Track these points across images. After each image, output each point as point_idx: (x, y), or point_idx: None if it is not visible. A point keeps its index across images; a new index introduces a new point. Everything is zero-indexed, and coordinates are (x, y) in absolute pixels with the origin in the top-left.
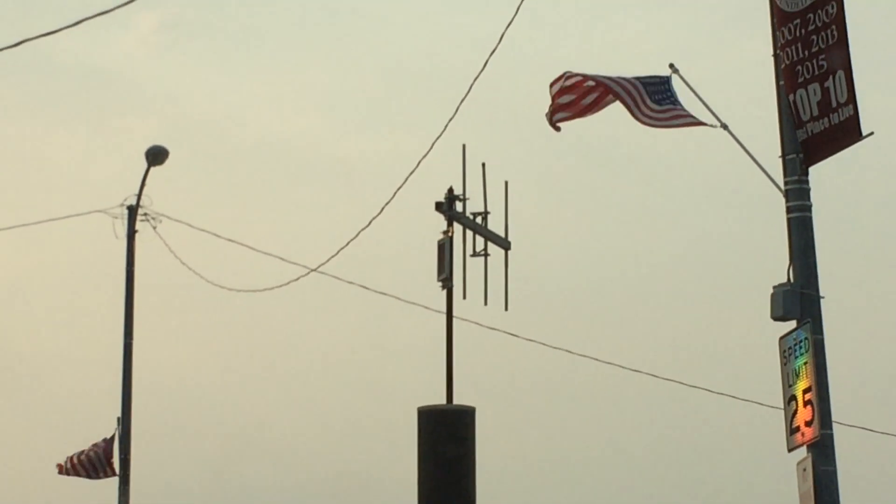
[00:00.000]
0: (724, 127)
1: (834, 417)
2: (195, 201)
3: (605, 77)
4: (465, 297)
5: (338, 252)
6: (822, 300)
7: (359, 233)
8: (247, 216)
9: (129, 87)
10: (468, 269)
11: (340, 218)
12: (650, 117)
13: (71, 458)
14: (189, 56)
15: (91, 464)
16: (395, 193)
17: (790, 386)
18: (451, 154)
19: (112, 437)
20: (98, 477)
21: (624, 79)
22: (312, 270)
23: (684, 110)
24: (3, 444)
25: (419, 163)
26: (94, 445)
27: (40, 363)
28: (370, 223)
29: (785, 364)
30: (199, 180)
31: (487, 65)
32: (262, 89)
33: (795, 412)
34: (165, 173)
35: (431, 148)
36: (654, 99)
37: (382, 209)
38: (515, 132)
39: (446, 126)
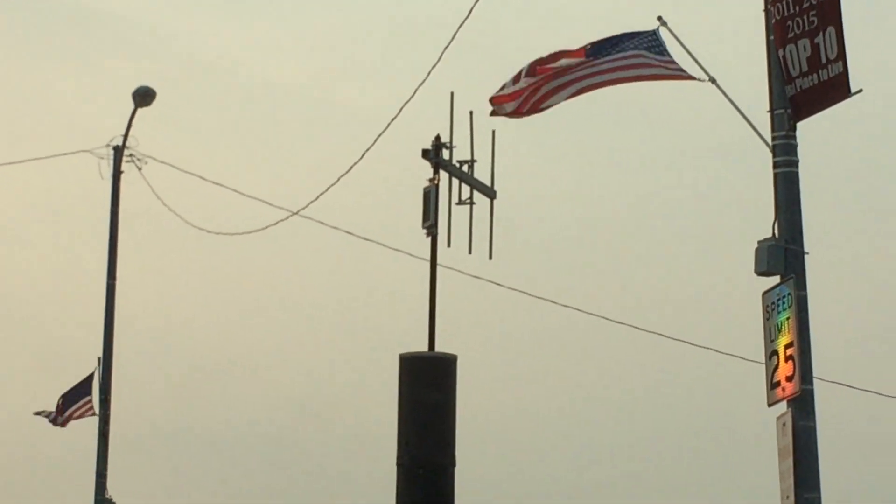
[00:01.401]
0: (713, 81)
1: (815, 373)
2: (182, 143)
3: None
4: (449, 245)
5: (317, 197)
6: (806, 256)
7: (339, 178)
8: (234, 159)
9: (120, 26)
10: (453, 217)
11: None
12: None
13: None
14: None
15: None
16: (377, 140)
17: (772, 341)
18: (440, 102)
19: (91, 376)
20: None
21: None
22: (293, 214)
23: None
24: None
25: (401, 109)
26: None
27: (23, 302)
28: (350, 168)
29: (767, 319)
30: (187, 122)
31: (474, 11)
32: (252, 34)
33: (776, 367)
34: (153, 114)
35: (414, 94)
36: (655, 51)
37: (363, 155)
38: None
39: (429, 73)
